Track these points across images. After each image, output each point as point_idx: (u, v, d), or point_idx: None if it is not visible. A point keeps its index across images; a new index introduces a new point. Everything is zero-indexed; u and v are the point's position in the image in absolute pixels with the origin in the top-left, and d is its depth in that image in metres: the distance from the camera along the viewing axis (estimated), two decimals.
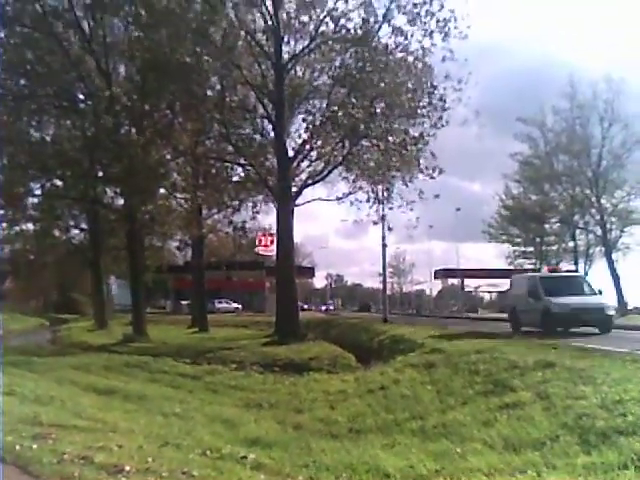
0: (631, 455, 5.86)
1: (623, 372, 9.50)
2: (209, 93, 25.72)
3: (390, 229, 32.22)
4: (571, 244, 54.96)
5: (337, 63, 24.50)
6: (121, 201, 30.38)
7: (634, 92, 59.84)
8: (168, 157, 26.70)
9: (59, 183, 29.91)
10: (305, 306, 70.93)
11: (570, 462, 6.09)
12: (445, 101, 24.14)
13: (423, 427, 8.93)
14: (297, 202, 27.01)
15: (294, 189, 26.52)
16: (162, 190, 28.09)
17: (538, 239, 57.06)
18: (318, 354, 20.55)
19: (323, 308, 79.97)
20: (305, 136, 25.68)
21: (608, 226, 50.01)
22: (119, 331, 25.92)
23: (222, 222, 33.04)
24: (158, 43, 23.22)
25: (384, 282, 46.16)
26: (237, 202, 28.48)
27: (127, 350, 21.15)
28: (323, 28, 23.90)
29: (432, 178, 25.33)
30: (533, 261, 60.15)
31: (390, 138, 24.62)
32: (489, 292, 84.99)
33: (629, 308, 51.86)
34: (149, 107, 24.95)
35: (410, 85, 24.04)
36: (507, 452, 6.81)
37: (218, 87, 25.94)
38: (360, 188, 26.97)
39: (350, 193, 27.44)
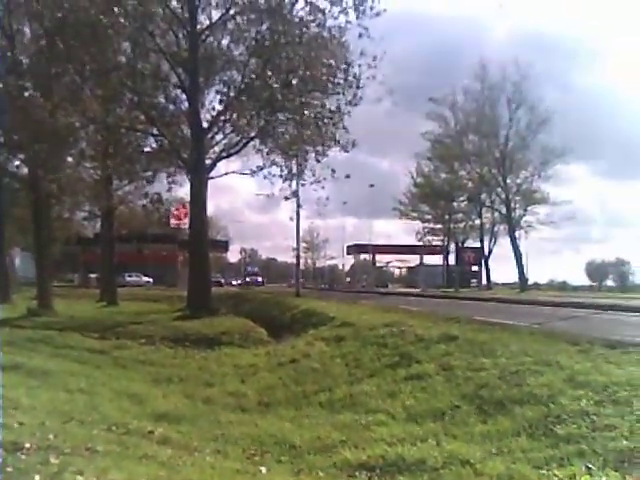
0: (523, 423, 6.23)
1: (520, 345, 10.00)
2: (121, 59, 24.78)
3: (300, 206, 32.34)
4: (477, 222, 57.13)
5: (252, 34, 24.12)
6: (26, 170, 28.97)
7: (541, 76, 62.24)
8: (77, 124, 25.61)
9: None
10: (222, 280, 70.08)
11: (468, 431, 6.41)
12: (360, 78, 24.28)
13: (331, 399, 9.12)
14: (211, 175, 26.65)
15: (208, 161, 26.11)
16: (70, 159, 26.97)
17: (447, 216, 58.85)
18: (230, 328, 20.50)
19: (248, 280, 75.81)
20: (220, 108, 25.31)
21: (512, 205, 52.28)
22: (24, 305, 24.88)
23: (134, 194, 32.18)
24: (67, 2, 22.11)
25: (297, 257, 46.51)
26: (151, 173, 27.78)
27: (31, 325, 20.34)
28: None
29: (346, 151, 25.54)
30: (441, 238, 62.18)
31: (306, 111, 24.59)
32: (399, 267, 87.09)
33: (529, 284, 54.54)
34: (56, 71, 23.78)
35: (325, 60, 24.00)
36: (410, 422, 7.08)
37: (130, 54, 25.03)
38: (274, 162, 26.87)
39: (264, 167, 27.32)
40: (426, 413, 7.34)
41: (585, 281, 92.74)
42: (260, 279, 79.62)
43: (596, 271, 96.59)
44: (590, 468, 4.83)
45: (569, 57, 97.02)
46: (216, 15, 24.51)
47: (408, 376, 9.43)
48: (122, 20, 22.11)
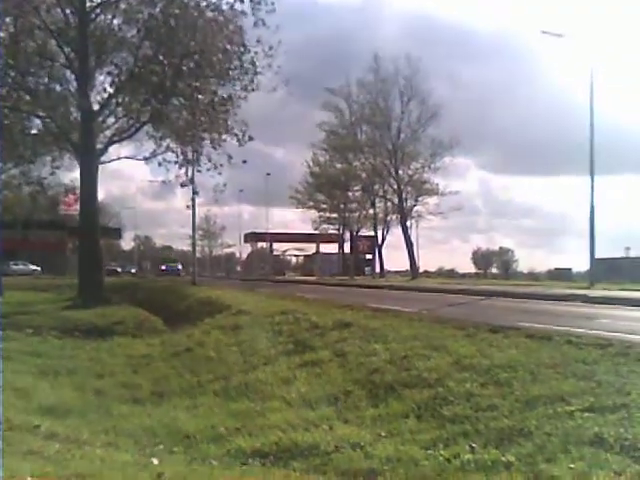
0: (412, 405, 6.49)
1: (410, 330, 10.37)
2: (1, 35, 23.36)
3: (196, 192, 31.77)
4: (371, 211, 58.33)
5: (145, 16, 23.39)
6: None
7: (430, 70, 64.25)
8: None
9: None
10: (119, 269, 67.74)
11: (360, 415, 6.60)
12: (256, 65, 24.12)
13: (226, 388, 9.10)
14: (103, 159, 25.72)
15: (99, 146, 25.18)
16: None
17: (342, 206, 59.79)
18: (123, 318, 19.97)
19: (164, 268, 72.10)
20: (111, 90, 24.42)
21: (404, 195, 53.71)
22: None
23: (18, 178, 30.53)
24: None
25: (193, 245, 45.85)
26: (35, 156, 26.47)
27: None
28: None
29: (241, 145, 25.34)
30: (337, 226, 63.15)
31: (200, 97, 24.18)
32: (296, 256, 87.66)
33: (420, 271, 56.45)
34: None
35: (221, 45, 23.66)
36: (304, 408, 7.19)
37: (12, 30, 23.62)
38: (168, 148, 26.27)
39: (158, 153, 26.66)
40: (320, 399, 7.48)
41: (472, 269, 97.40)
42: (180, 267, 72.91)
43: (482, 259, 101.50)
44: (473, 447, 5.10)
45: (458, 52, 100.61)
46: None
47: (303, 363, 9.56)
48: None
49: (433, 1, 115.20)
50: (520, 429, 5.25)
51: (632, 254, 46.10)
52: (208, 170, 26.24)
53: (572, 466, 4.38)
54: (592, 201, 26.66)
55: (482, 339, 9.11)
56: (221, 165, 25.78)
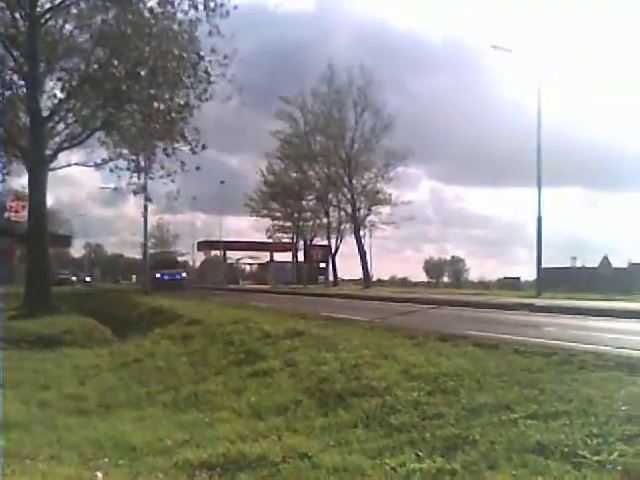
0: (361, 414, 6.53)
1: (362, 339, 10.45)
2: None
3: (149, 200, 31.37)
4: (325, 220, 58.59)
5: (98, 22, 23.08)
6: None
7: (385, 81, 64.87)
8: None
9: None
10: (74, 278, 66.09)
11: (309, 424, 6.61)
12: (210, 74, 24.04)
13: (176, 399, 9.01)
14: (52, 166, 25.20)
15: (49, 152, 24.66)
16: None
17: (296, 215, 59.88)
18: (71, 328, 19.51)
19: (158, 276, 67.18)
20: (62, 96, 24.00)
21: (357, 205, 54.10)
22: None
23: None
24: None
25: (145, 253, 45.29)
26: None
27: None
28: None
29: (195, 153, 25.18)
30: (291, 235, 63.22)
31: (155, 104, 23.98)
32: (250, 264, 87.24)
33: (373, 280, 56.89)
34: None
35: (176, 53, 23.51)
36: (253, 419, 7.17)
37: None
38: (121, 155, 25.94)
39: (110, 160, 26.28)
40: (270, 409, 7.46)
41: (424, 277, 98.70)
42: (184, 275, 50.42)
43: (434, 268, 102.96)
44: (419, 455, 5.16)
45: (412, 62, 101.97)
46: None
47: (254, 372, 9.53)
48: None
49: (388, 11, 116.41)
50: (465, 437, 5.32)
51: (578, 263, 47.38)
52: (161, 177, 26.03)
53: (514, 473, 4.46)
54: (539, 212, 27.33)
55: (431, 348, 9.23)
56: (174, 172, 25.61)
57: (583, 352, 8.13)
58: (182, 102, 24.22)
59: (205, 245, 78.46)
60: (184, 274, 49.81)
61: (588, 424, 5.15)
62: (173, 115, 23.89)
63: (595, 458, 4.47)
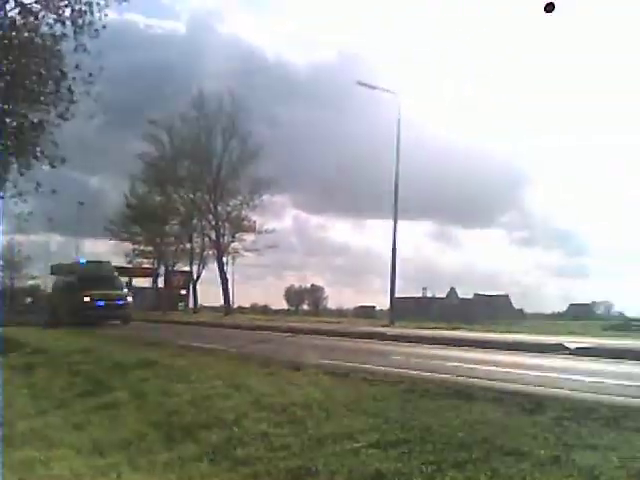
0: (207, 448, 6.38)
1: (216, 369, 10.31)
2: None
3: None
4: (188, 246, 57.66)
5: None
6: None
7: (254, 109, 65.27)
8: None
9: None
10: None
11: (152, 459, 6.36)
12: (73, 92, 23.02)
13: (10, 435, 8.36)
14: None
15: None
16: None
17: (158, 239, 58.37)
18: None
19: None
20: None
21: (222, 231, 53.77)
22: None
23: None
24: None
25: None
26: None
27: None
28: None
29: (53, 167, 23.93)
30: (152, 260, 61.52)
31: (7, 120, 22.61)
32: None
33: (234, 307, 56.60)
34: None
35: (36, 68, 22.36)
36: (94, 455, 6.79)
37: None
38: None
39: None
40: (112, 444, 7.11)
41: (285, 305, 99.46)
42: (128, 299, 33.72)
43: (294, 296, 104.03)
44: None
45: (281, 91, 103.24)
46: None
47: (99, 405, 9.07)
48: None
49: (262, 39, 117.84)
50: (308, 468, 5.35)
51: (429, 294, 49.83)
52: (12, 197, 24.45)
53: None
54: (394, 244, 28.58)
55: (283, 377, 9.27)
56: (27, 192, 24.14)
57: (426, 380, 8.50)
58: (35, 120, 22.99)
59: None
60: (129, 298, 33.94)
61: (425, 452, 5.37)
62: (26, 133, 22.61)
63: None
